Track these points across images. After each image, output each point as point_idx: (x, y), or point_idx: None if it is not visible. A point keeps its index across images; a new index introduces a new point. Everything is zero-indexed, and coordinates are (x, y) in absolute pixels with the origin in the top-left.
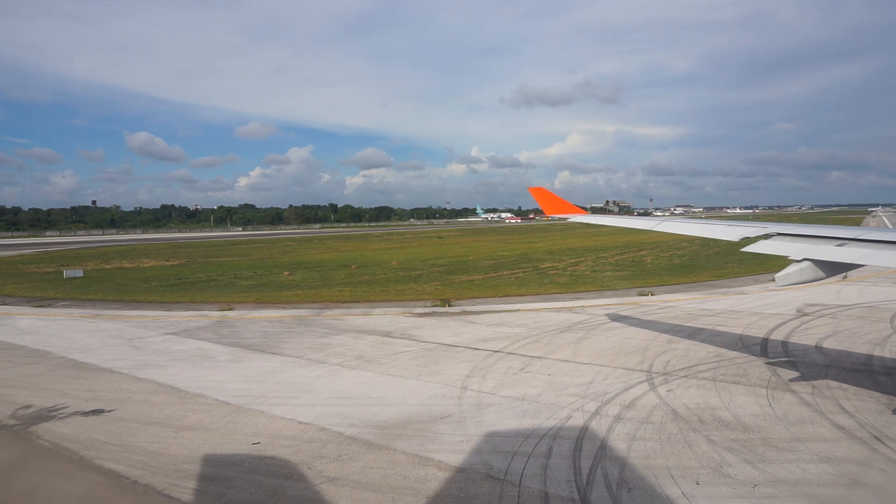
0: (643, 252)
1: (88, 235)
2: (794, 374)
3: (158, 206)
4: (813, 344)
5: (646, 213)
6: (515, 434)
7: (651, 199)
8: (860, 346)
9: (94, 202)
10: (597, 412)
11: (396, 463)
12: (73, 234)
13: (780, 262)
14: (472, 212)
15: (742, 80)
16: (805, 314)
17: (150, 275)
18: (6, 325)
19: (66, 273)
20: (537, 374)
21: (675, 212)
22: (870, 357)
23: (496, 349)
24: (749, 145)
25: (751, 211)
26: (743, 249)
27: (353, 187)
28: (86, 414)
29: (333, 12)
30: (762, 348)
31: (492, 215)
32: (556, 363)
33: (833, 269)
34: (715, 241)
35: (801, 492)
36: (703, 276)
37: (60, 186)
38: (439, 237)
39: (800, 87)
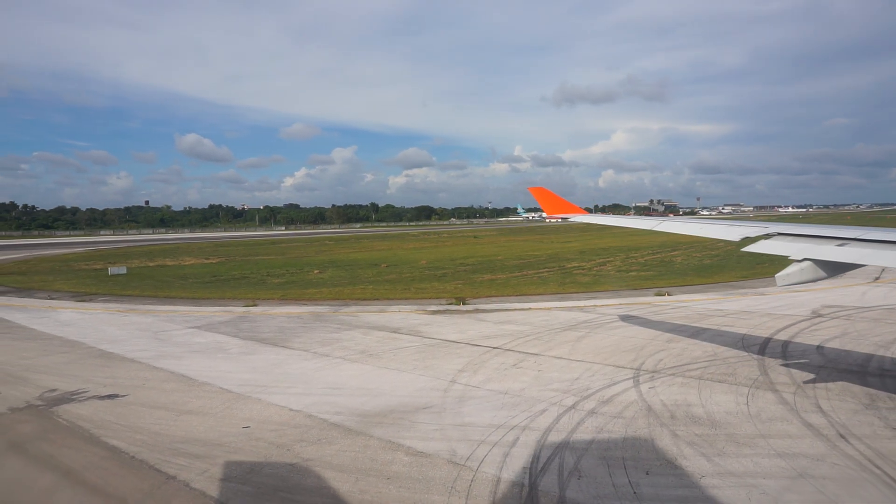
0: (676, 252)
1: (139, 234)
2: (784, 373)
3: (207, 206)
4: (816, 345)
5: (692, 212)
6: (488, 424)
7: (698, 198)
8: (864, 348)
9: (146, 202)
10: (573, 406)
11: (368, 447)
12: (125, 232)
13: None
14: (514, 211)
15: (795, 75)
16: (820, 315)
17: (188, 272)
18: (49, 318)
19: (111, 270)
20: (527, 369)
21: (723, 211)
22: (869, 358)
23: (496, 346)
24: (802, 142)
25: (804, 210)
26: (743, 249)
27: (396, 187)
28: (102, 398)
29: (375, 13)
30: (761, 348)
31: (533, 215)
32: (549, 360)
33: (834, 268)
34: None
35: (745, 483)
36: (730, 276)
37: (116, 187)
38: (475, 237)
39: (857, 81)
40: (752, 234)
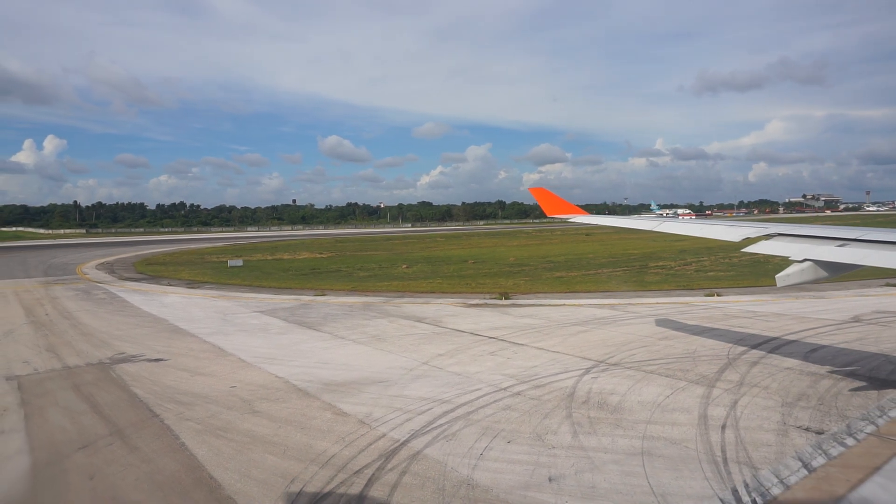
0: None
1: (279, 231)
2: (741, 372)
3: (345, 205)
4: (815, 346)
5: (858, 208)
6: (418, 398)
7: (868, 192)
8: (865, 349)
9: (294, 201)
10: (505, 388)
11: (309, 407)
12: (268, 229)
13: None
14: (647, 208)
15: None
16: (858, 320)
17: (294, 265)
18: (156, 300)
19: (230, 263)
20: (498, 357)
21: None
22: (859, 359)
23: (493, 336)
24: None
25: None
26: (744, 250)
27: (530, 184)
28: (150, 361)
29: (508, 11)
30: (751, 348)
31: (667, 211)
32: (528, 350)
33: (834, 269)
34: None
35: (583, 455)
36: None
37: (268, 187)
38: (587, 234)
39: None
40: (753, 235)
